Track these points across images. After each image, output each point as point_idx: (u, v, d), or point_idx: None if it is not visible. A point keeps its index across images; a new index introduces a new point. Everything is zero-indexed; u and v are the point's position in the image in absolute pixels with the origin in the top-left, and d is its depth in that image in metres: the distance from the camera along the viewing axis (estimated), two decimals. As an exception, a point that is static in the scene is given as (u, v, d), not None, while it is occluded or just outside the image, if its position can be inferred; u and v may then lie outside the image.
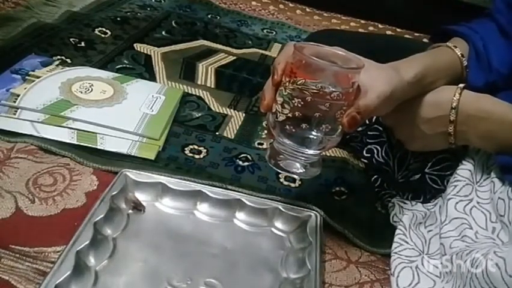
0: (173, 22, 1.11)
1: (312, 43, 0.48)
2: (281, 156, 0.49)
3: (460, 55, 0.56)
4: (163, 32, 1.05)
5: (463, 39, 0.58)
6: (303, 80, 0.44)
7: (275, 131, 0.48)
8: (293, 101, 0.45)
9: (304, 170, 0.49)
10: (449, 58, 0.57)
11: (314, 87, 0.44)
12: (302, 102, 0.45)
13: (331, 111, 0.45)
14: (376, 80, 0.48)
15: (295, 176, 0.50)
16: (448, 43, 0.58)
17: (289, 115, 0.46)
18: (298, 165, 0.49)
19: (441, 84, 0.55)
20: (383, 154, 0.65)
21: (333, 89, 0.44)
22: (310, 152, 0.48)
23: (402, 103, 0.52)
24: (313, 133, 0.46)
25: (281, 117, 0.46)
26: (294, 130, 0.46)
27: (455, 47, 0.57)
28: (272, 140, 0.50)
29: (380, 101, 0.47)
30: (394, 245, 0.55)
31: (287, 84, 0.45)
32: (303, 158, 0.48)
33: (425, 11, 1.38)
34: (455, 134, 0.53)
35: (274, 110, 0.47)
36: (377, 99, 0.47)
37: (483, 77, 0.56)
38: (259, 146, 0.75)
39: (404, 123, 0.56)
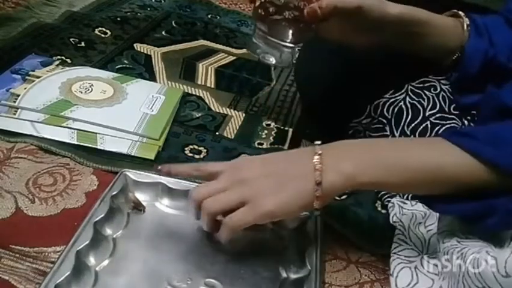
0: (173, 22, 1.11)
1: None
2: (255, 41, 0.58)
3: (462, 15, 0.58)
4: (163, 32, 1.05)
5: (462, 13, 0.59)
6: None
7: (253, 16, 0.58)
8: None
9: (273, 58, 0.58)
10: (449, 18, 0.58)
11: None
12: None
13: (295, 1, 0.54)
14: None
15: (269, 62, 0.59)
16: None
17: (262, 0, 0.55)
18: (265, 48, 0.58)
19: (436, 41, 0.56)
20: None
21: None
22: (280, 39, 0.56)
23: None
24: (279, 19, 0.55)
25: (257, 3, 0.56)
26: (263, 13, 0.55)
27: (455, 14, 0.58)
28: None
29: (345, 6, 0.53)
30: (393, 245, 0.55)
31: None
32: (274, 46, 0.57)
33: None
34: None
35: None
36: (342, 3, 0.53)
37: (482, 45, 0.56)
38: (259, 146, 0.75)
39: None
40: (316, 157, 0.46)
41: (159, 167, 0.53)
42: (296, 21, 0.55)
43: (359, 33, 0.58)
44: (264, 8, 0.55)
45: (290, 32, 0.56)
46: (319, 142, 0.48)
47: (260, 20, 0.56)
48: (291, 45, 0.57)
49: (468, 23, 0.58)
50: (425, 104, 0.64)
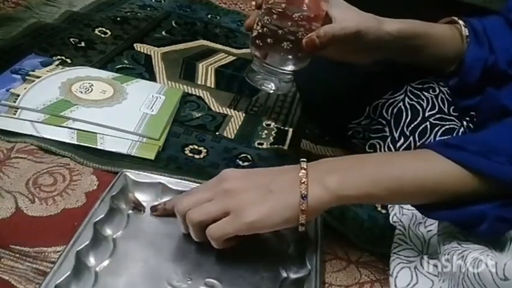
0: (173, 22, 1.11)
1: None
2: (254, 68, 0.57)
3: (461, 23, 0.57)
4: (163, 32, 1.05)
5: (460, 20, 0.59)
6: (273, 0, 0.53)
7: (250, 45, 0.57)
8: (264, 19, 0.54)
9: (272, 85, 0.58)
10: (447, 27, 0.57)
11: (280, 8, 0.53)
12: (270, 20, 0.54)
13: (293, 30, 0.53)
14: (348, 16, 0.54)
15: (268, 89, 0.59)
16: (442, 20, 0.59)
17: (260, 31, 0.55)
18: (264, 76, 0.57)
19: (435, 52, 0.55)
20: (386, 149, 0.65)
21: (297, 11, 0.53)
22: (279, 67, 0.56)
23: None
24: (277, 48, 0.54)
25: (255, 33, 0.56)
26: (261, 44, 0.55)
27: (453, 20, 0.58)
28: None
29: (343, 34, 0.52)
30: (393, 245, 0.55)
31: (263, 5, 0.54)
32: (274, 74, 0.57)
33: (424, 11, 1.38)
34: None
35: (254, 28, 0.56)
36: (340, 30, 0.52)
37: (482, 54, 0.56)
38: (259, 146, 0.75)
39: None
40: (302, 171, 0.47)
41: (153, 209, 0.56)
42: (295, 50, 0.54)
43: (358, 53, 0.58)
44: (262, 39, 0.55)
45: (289, 60, 0.55)
46: (305, 159, 0.49)
47: (258, 49, 0.56)
48: (290, 72, 0.57)
49: (467, 33, 0.58)
50: (424, 104, 0.64)
